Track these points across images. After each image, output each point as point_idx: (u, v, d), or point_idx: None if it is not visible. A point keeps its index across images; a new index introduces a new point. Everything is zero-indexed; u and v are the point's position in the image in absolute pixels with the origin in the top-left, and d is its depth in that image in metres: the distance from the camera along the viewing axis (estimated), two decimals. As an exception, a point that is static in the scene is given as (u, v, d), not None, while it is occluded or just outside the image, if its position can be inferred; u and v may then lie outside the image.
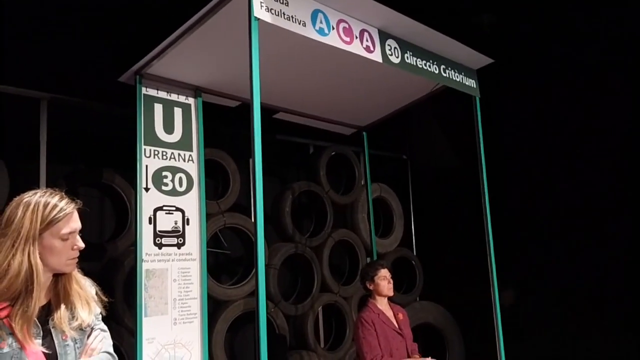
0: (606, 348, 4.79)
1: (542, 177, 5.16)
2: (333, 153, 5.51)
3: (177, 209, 3.36)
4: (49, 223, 1.78)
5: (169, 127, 3.48)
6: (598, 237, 4.92)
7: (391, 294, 3.89)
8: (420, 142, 6.45)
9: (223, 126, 4.37)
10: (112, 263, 3.81)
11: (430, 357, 3.54)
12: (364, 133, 4.84)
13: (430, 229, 6.24)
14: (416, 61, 3.34)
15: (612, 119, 4.74)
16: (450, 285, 5.85)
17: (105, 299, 1.99)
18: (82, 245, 1.86)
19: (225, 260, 4.81)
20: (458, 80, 3.68)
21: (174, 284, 3.19)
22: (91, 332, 1.88)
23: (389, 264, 5.64)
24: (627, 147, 4.64)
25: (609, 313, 4.88)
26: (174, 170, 3.42)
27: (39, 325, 1.78)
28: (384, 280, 3.85)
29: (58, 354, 1.77)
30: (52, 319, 1.81)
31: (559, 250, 5.13)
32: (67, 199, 1.86)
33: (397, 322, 3.81)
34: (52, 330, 1.79)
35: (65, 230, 1.80)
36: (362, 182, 5.41)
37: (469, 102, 3.90)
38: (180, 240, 3.32)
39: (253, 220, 2.56)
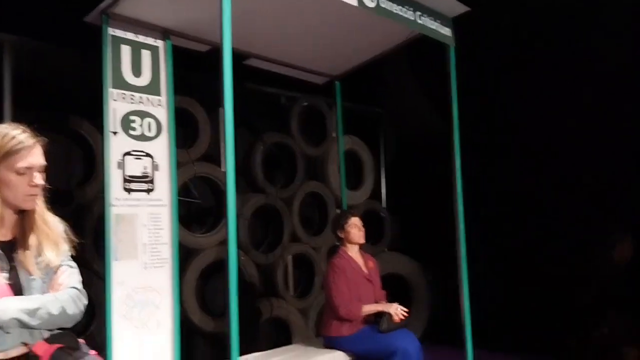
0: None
1: (518, 131, 5.21)
2: (305, 104, 5.46)
3: (147, 155, 3.30)
4: (5, 154, 1.72)
5: (137, 70, 3.38)
6: (570, 190, 5.04)
7: (362, 241, 3.95)
8: (395, 95, 6.43)
9: (193, 73, 4.27)
10: (80, 209, 3.75)
11: (396, 303, 3.63)
12: (337, 83, 4.79)
13: (403, 182, 6.31)
14: (391, 6, 3.29)
15: (593, 73, 4.76)
16: (420, 237, 5.97)
17: (75, 239, 1.96)
18: (39, 182, 1.80)
19: (196, 210, 4.79)
20: (433, 28, 3.65)
21: (143, 229, 3.17)
22: (58, 268, 1.86)
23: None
24: (606, 99, 4.68)
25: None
26: (143, 114, 3.34)
27: (5, 259, 1.75)
28: (355, 228, 3.90)
29: (23, 287, 1.75)
30: (17, 256, 1.78)
31: (530, 206, 5.25)
32: (28, 134, 1.80)
33: (367, 269, 3.89)
34: (17, 266, 1.77)
35: (21, 164, 1.74)
36: (334, 134, 5.39)
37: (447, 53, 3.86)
38: (150, 186, 3.28)
39: (223, 169, 2.53)
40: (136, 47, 3.40)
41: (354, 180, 5.89)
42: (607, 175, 4.82)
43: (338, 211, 5.25)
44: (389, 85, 6.30)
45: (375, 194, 6.16)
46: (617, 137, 4.71)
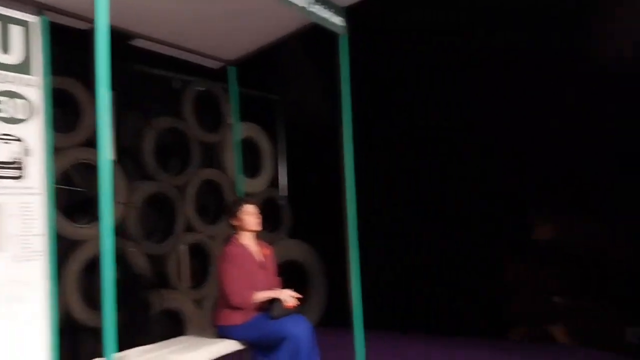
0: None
1: (413, 119, 5.38)
2: (200, 88, 5.30)
3: (16, 139, 3.04)
4: None
5: (6, 47, 3.10)
6: (464, 178, 5.29)
7: (257, 228, 3.90)
8: (291, 83, 6.42)
9: (74, 52, 3.99)
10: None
11: (288, 289, 3.63)
12: (233, 68, 4.68)
13: (301, 170, 6.34)
14: (281, -9, 3.26)
15: (491, 60, 4.98)
16: (317, 224, 6.03)
17: None
18: None
19: (81, 199, 4.51)
20: (324, 16, 3.65)
21: (12, 219, 2.92)
22: None
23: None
24: (505, 79, 4.91)
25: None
26: (13, 95, 3.07)
27: None
28: (248, 216, 3.85)
29: None
30: None
31: (422, 192, 5.46)
32: None
33: (262, 257, 3.85)
34: None
35: None
36: (230, 121, 5.29)
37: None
38: (20, 173, 3.02)
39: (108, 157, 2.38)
40: (6, 22, 3.11)
41: (252, 168, 5.84)
42: (513, 160, 5.11)
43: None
44: (286, 72, 6.28)
45: (275, 181, 6.15)
46: (519, 119, 4.98)
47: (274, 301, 3.56)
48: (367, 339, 3.90)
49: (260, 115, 5.96)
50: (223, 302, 3.66)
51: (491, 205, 5.27)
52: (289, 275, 6.19)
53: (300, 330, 3.45)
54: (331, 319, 5.76)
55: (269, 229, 5.85)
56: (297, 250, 5.95)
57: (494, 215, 5.27)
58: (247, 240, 3.85)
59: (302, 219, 6.23)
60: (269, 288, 3.75)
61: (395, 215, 5.52)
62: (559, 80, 4.83)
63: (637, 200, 4.64)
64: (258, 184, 5.73)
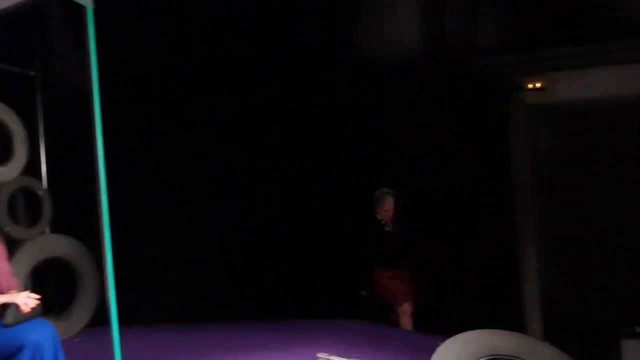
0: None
1: (165, 99, 5.17)
2: None
3: None
4: None
5: None
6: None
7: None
8: (53, 58, 5.74)
9: None
10: None
11: (26, 292, 3.20)
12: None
13: (65, 156, 5.71)
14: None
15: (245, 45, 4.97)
16: (87, 217, 5.51)
17: None
18: None
19: None
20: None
21: None
22: None
23: (8, 195, 4.96)
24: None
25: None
26: None
27: None
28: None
29: None
30: None
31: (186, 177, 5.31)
32: None
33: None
34: None
35: None
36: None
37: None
38: None
39: None
40: None
41: (1, 153, 5.06)
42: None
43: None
44: (44, 46, 5.58)
45: (34, 169, 5.42)
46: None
47: (7, 306, 3.10)
48: (131, 335, 3.65)
49: (12, 93, 5.21)
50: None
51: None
52: (54, 274, 5.61)
53: (42, 336, 3.06)
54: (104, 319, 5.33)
55: (27, 223, 5.17)
56: (62, 245, 5.34)
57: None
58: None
59: (66, 211, 5.60)
60: (2, 291, 3.26)
61: (159, 202, 5.30)
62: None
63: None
64: (8, 172, 4.98)
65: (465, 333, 3.21)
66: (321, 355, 3.77)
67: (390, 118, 5.78)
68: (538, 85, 5.87)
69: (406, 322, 5.11)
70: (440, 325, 4.96)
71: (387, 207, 5.18)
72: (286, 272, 5.65)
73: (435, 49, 5.84)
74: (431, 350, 3.12)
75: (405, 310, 5.10)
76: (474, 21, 5.93)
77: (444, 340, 3.18)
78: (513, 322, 5.03)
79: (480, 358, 3.01)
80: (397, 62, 5.73)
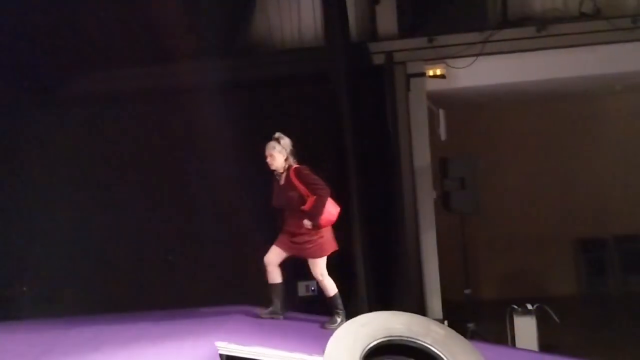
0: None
1: None
2: None
3: None
4: None
5: None
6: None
7: None
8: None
9: None
10: None
11: None
12: None
13: None
14: None
15: None
16: None
17: None
18: None
19: None
20: None
21: None
22: None
23: None
24: None
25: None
26: None
27: None
28: None
29: None
30: None
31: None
32: None
33: None
34: None
35: None
36: None
37: None
38: None
39: None
40: None
41: None
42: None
43: None
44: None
45: None
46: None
47: None
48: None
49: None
50: None
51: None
52: None
53: None
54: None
55: None
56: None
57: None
58: None
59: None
60: None
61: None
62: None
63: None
64: None
65: (361, 316, 3.26)
66: (220, 344, 3.67)
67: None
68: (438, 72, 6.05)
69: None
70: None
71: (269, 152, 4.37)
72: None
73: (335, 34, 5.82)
74: (328, 334, 3.13)
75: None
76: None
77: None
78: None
79: (377, 339, 3.06)
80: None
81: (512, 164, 8.27)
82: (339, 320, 4.13)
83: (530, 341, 5.46)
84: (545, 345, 5.53)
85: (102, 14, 5.59)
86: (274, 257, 4.31)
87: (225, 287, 5.52)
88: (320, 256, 4.26)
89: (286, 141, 4.30)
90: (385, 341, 3.09)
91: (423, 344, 3.12)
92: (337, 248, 4.34)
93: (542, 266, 8.24)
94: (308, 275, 5.45)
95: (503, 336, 5.74)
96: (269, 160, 4.27)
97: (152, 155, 5.91)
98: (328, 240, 4.25)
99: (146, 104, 6.03)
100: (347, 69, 5.72)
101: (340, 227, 5.41)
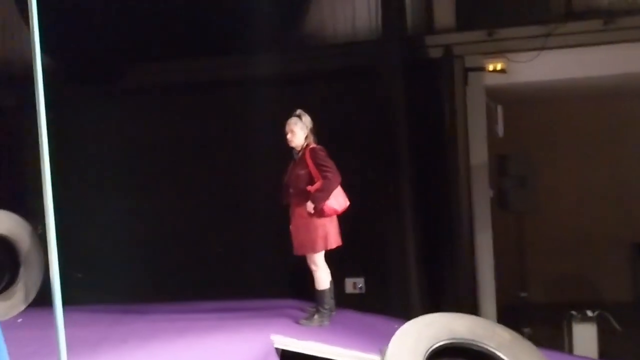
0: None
1: None
2: None
3: None
4: None
5: None
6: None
7: None
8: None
9: None
10: None
11: None
12: None
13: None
14: None
15: None
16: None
17: None
18: None
19: None
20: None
21: None
22: None
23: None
24: None
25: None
26: None
27: None
28: None
29: None
30: None
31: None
32: None
33: None
34: None
35: None
36: None
37: None
38: None
39: None
40: None
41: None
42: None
43: None
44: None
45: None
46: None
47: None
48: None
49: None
50: None
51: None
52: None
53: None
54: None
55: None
56: (4, 222, 5.04)
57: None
58: None
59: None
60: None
61: None
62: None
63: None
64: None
65: (424, 315, 3.17)
66: (276, 337, 3.66)
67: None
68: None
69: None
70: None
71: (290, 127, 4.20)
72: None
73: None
74: (390, 333, 3.06)
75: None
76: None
77: (402, 322, 3.12)
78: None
79: (440, 341, 2.98)
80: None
81: (568, 162, 7.96)
82: (315, 317, 4.02)
83: (590, 349, 5.26)
84: (605, 354, 5.31)
85: (162, 6, 5.65)
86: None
87: (272, 282, 5.51)
88: (314, 252, 4.11)
89: (307, 118, 4.20)
90: (448, 343, 3.01)
91: (487, 347, 3.02)
92: (340, 244, 4.18)
93: (598, 270, 7.90)
94: (356, 272, 5.41)
95: (558, 342, 5.55)
96: (289, 136, 4.17)
97: (209, 148, 5.94)
98: (328, 235, 4.08)
99: (201, 96, 6.06)
100: (403, 62, 5.60)
101: (392, 226, 5.35)
